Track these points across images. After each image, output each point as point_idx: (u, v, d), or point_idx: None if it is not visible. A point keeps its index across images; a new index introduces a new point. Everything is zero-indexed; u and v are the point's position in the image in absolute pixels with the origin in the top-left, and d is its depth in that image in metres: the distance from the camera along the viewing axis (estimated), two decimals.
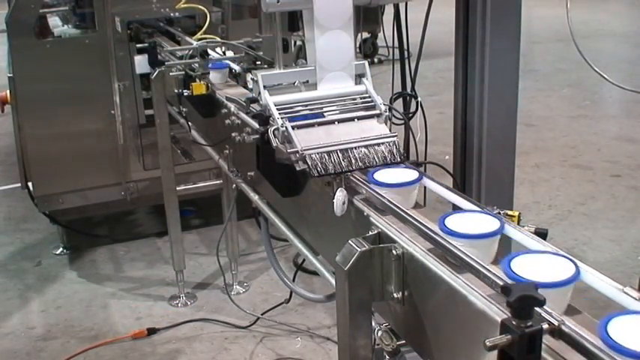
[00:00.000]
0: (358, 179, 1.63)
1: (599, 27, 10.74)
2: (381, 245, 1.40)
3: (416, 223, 1.36)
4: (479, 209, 1.40)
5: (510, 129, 2.82)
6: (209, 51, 2.76)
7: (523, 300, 0.98)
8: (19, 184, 4.10)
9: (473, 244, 1.26)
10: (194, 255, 3.99)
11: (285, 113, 1.74)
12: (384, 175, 1.60)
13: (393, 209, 1.46)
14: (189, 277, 3.71)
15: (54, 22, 4.48)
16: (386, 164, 1.67)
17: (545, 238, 1.29)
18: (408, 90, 3.00)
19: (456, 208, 1.51)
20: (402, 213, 1.42)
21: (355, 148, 1.65)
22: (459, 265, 1.22)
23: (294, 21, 2.10)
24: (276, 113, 1.73)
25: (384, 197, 1.51)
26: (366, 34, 8.48)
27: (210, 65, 2.65)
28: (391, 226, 1.44)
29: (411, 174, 1.60)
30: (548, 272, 1.13)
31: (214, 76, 2.63)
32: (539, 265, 1.16)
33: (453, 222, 1.32)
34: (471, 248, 1.24)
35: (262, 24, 2.70)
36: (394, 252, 1.36)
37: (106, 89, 3.84)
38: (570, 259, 1.17)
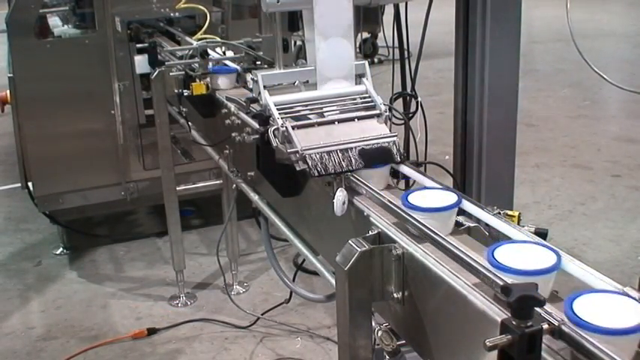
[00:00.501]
0: (359, 180, 1.63)
1: (599, 27, 10.74)
2: (381, 245, 1.40)
3: (459, 253, 1.24)
4: (530, 239, 1.28)
5: (510, 129, 2.81)
6: (209, 51, 2.76)
7: (523, 300, 0.98)
8: (19, 184, 4.10)
9: (526, 280, 1.12)
10: (194, 255, 3.99)
11: (285, 113, 1.74)
12: (418, 197, 1.46)
13: (430, 236, 1.33)
14: (189, 277, 3.71)
15: (54, 22, 4.48)
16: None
17: (545, 238, 1.28)
18: (408, 90, 3.00)
19: (459, 209, 1.50)
20: (442, 241, 1.30)
21: (355, 148, 1.65)
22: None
23: (294, 21, 2.10)
24: (276, 113, 1.73)
25: (421, 223, 1.37)
26: (366, 34, 8.49)
27: (215, 68, 2.63)
28: (391, 226, 1.44)
29: (448, 196, 1.45)
30: (614, 315, 1.03)
31: (223, 81, 2.58)
32: (603, 307, 1.05)
33: (503, 254, 1.20)
34: None
35: (262, 24, 2.69)
36: (394, 252, 1.36)
37: (106, 89, 3.84)
38: (635, 300, 1.06)
